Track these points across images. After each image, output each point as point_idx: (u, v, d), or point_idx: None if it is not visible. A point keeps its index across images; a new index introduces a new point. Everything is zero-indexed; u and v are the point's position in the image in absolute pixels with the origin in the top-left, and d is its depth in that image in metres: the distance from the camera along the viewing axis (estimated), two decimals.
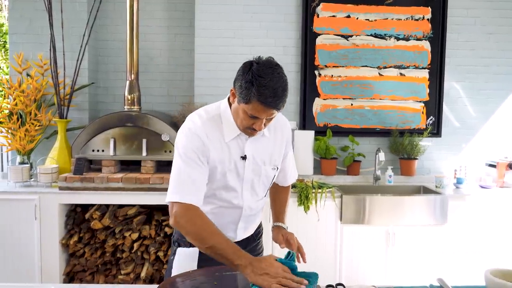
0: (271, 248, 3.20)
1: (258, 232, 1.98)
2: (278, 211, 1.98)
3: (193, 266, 1.67)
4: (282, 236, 1.84)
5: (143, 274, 3.18)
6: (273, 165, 1.77)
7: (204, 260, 1.66)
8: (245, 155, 1.67)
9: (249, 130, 1.59)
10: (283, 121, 1.84)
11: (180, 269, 1.66)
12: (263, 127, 1.58)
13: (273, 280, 1.34)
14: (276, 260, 1.42)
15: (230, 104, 1.65)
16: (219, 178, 1.67)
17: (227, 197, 1.72)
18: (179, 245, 1.80)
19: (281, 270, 1.38)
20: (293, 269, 1.43)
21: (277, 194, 2.01)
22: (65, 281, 3.22)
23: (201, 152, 1.60)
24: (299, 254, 1.77)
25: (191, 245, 1.72)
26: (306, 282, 1.36)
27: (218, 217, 1.71)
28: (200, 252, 1.68)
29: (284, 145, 1.82)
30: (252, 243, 1.92)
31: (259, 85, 1.46)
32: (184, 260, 1.71)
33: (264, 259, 1.42)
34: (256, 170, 1.72)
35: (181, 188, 1.56)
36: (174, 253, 1.78)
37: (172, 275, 1.68)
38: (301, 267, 1.51)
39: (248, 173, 1.70)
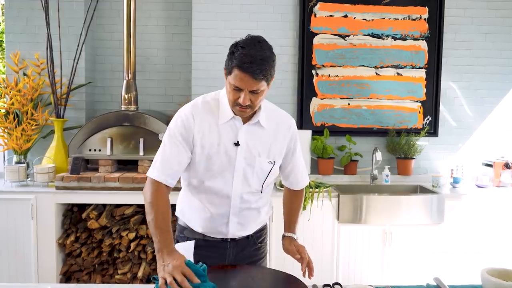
0: (278, 257, 3.21)
1: (260, 235, 1.93)
2: (290, 221, 1.95)
3: (189, 257, 1.67)
4: (295, 247, 1.81)
5: (140, 274, 3.17)
6: (270, 159, 1.75)
7: (199, 251, 1.71)
8: (238, 141, 1.68)
9: (237, 106, 1.60)
10: (287, 119, 1.84)
11: None
12: (248, 101, 1.57)
13: (166, 274, 1.36)
14: (185, 261, 1.42)
15: None
16: (205, 161, 1.68)
17: (215, 185, 1.71)
18: (177, 241, 1.83)
19: (179, 271, 1.36)
20: (201, 276, 1.39)
21: (290, 202, 1.99)
22: (61, 281, 3.21)
23: (182, 134, 1.66)
24: (306, 269, 1.72)
25: (188, 239, 1.77)
26: None
27: (208, 209, 1.74)
28: (195, 245, 1.73)
29: (286, 143, 1.81)
30: (251, 246, 1.87)
31: (239, 53, 1.53)
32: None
33: (176, 254, 1.45)
34: (249, 159, 1.71)
35: (156, 166, 1.66)
36: None
37: None
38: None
39: (240, 161, 1.70)
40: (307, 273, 1.70)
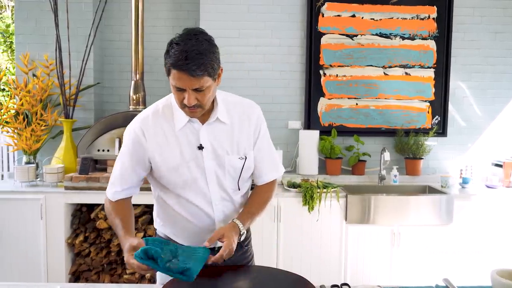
0: (286, 258, 3.21)
1: (245, 239, 1.78)
2: (244, 210, 1.66)
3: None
4: (221, 236, 1.51)
5: (148, 274, 3.18)
6: (240, 155, 1.62)
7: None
8: (201, 144, 1.56)
9: (186, 108, 1.48)
10: (248, 109, 1.67)
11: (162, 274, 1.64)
12: (194, 101, 1.44)
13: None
14: (144, 240, 1.43)
15: None
16: (173, 175, 1.57)
17: (192, 195, 1.60)
18: None
19: (129, 267, 1.40)
20: (157, 253, 1.37)
21: (253, 193, 1.76)
22: (70, 281, 3.23)
23: (131, 153, 1.60)
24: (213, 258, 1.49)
25: None
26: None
27: (191, 222, 1.63)
28: None
29: (252, 134, 1.65)
30: (238, 251, 1.67)
31: (173, 51, 1.41)
32: None
33: (127, 254, 1.43)
34: (218, 160, 1.58)
35: (110, 184, 1.65)
36: None
37: (157, 282, 1.68)
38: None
39: (209, 164, 1.57)
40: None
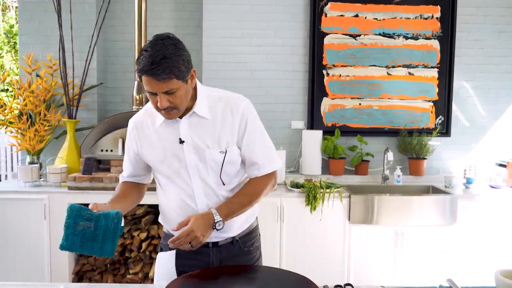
0: (289, 258, 3.21)
1: (247, 240, 1.78)
2: (226, 201, 1.67)
3: (171, 268, 1.63)
4: (188, 220, 1.55)
5: (151, 274, 3.19)
6: (221, 148, 1.63)
7: (181, 259, 1.66)
8: (180, 138, 1.61)
9: (162, 111, 1.53)
10: (233, 101, 1.67)
11: (159, 273, 1.65)
12: (166, 103, 1.49)
13: None
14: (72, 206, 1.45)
15: None
16: (160, 167, 1.68)
17: (178, 186, 1.67)
18: (161, 250, 1.79)
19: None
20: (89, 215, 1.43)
21: (242, 187, 1.73)
22: (74, 281, 3.24)
23: (131, 145, 1.75)
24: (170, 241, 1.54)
25: (170, 249, 1.66)
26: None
27: (180, 209, 1.68)
28: (176, 254, 1.65)
29: (237, 128, 1.65)
30: (237, 252, 1.72)
31: (142, 57, 1.47)
32: (163, 264, 1.66)
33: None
34: (199, 154, 1.62)
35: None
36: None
37: (154, 281, 1.67)
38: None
39: (190, 158, 1.62)
40: None
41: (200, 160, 1.63)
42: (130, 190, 1.79)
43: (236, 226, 1.73)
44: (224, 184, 1.68)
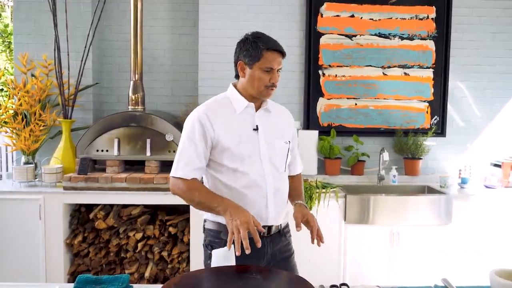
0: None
1: (287, 230, 2.01)
2: (295, 194, 2.04)
3: (231, 261, 1.60)
4: (303, 216, 1.86)
5: (147, 274, 3.18)
6: (285, 140, 1.93)
7: (241, 258, 1.58)
8: (257, 126, 1.84)
9: (268, 87, 1.81)
10: (286, 111, 2.08)
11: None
12: (278, 78, 1.81)
13: (234, 229, 1.55)
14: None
15: (234, 86, 1.91)
16: (235, 148, 1.80)
17: (248, 168, 1.81)
18: (212, 248, 1.77)
19: (245, 227, 1.54)
20: None
21: (292, 182, 2.07)
22: (69, 281, 3.22)
23: (200, 132, 1.80)
24: (316, 236, 1.85)
25: (224, 245, 1.63)
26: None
27: (245, 195, 1.81)
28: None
29: (291, 132, 2.02)
30: (283, 242, 1.94)
31: (262, 40, 1.79)
32: (221, 261, 1.61)
33: (242, 210, 1.64)
34: (269, 142, 1.86)
35: (177, 166, 1.83)
36: (209, 257, 1.71)
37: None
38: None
39: (263, 145, 1.84)
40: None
41: (269, 147, 1.86)
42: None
43: (282, 214, 1.94)
44: (285, 171, 1.95)
